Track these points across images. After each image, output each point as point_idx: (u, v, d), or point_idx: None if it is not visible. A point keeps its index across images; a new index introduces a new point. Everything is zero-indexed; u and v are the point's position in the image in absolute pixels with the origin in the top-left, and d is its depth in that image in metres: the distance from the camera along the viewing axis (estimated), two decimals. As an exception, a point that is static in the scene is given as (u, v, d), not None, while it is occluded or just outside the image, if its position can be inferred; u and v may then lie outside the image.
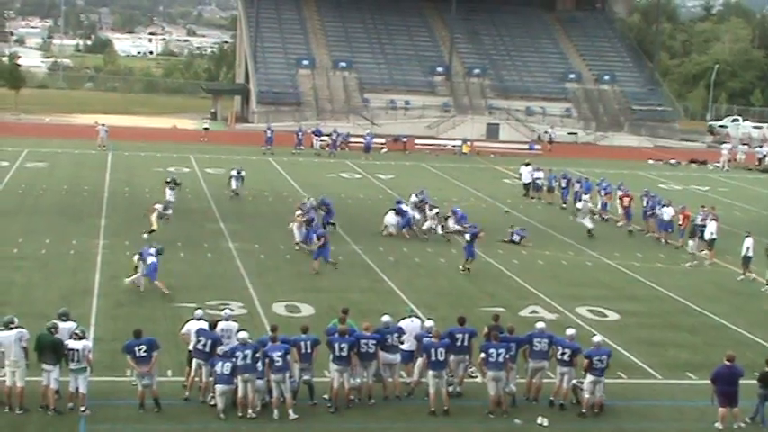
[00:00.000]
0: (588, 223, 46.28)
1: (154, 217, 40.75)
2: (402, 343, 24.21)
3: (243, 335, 22.79)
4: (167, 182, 46.75)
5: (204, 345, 22.97)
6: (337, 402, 22.96)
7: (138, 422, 21.67)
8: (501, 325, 24.75)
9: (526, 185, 57.88)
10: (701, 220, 44.02)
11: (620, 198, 49.68)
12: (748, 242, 39.42)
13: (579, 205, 48.07)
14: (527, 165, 59.09)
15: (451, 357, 23.85)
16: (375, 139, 76.65)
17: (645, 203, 48.85)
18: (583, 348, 23.82)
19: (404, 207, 44.58)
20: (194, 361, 23.11)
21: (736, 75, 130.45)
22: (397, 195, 53.45)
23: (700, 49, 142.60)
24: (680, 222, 45.51)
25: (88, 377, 22.03)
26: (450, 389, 23.90)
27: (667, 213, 46.12)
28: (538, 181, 57.08)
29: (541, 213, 51.45)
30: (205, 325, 23.48)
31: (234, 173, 53.07)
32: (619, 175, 64.57)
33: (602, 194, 51.12)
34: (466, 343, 24.09)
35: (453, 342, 23.84)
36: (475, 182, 62.66)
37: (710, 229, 42.40)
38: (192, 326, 23.72)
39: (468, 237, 38.27)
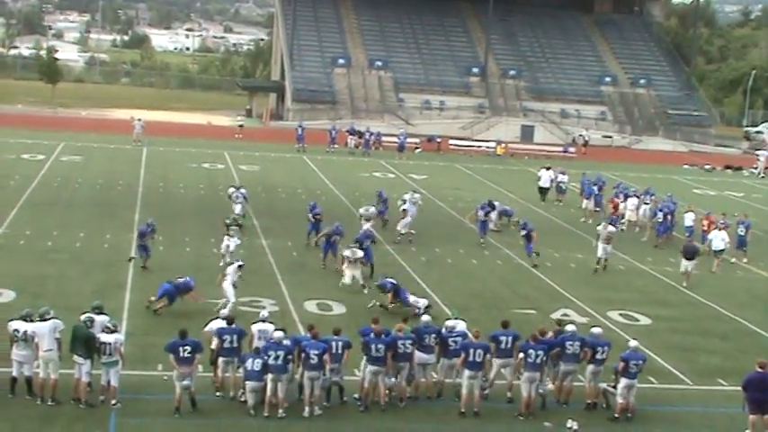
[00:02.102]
0: (599, 251, 39.92)
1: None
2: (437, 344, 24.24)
3: (279, 335, 22.77)
4: (227, 224, 37.76)
5: (231, 342, 22.97)
6: (367, 402, 22.99)
7: (169, 416, 21.74)
8: (564, 330, 24.74)
9: (543, 189, 56.63)
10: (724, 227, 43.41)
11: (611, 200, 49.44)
12: None
13: (600, 228, 40.56)
14: (547, 168, 57.98)
15: (496, 361, 23.94)
16: (409, 139, 76.49)
17: (645, 201, 48.58)
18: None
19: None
20: (221, 359, 23.05)
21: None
22: (431, 195, 53.57)
23: (737, 55, 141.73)
24: (704, 228, 45.00)
25: (120, 371, 22.15)
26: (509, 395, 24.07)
27: (689, 218, 45.60)
28: (561, 184, 56.42)
29: (574, 216, 51.27)
30: (223, 323, 23.50)
31: (232, 191, 44.65)
32: (652, 180, 64.30)
33: (622, 198, 50.30)
34: (510, 346, 23.90)
35: (498, 345, 23.85)
36: (508, 184, 62.51)
37: (721, 238, 41.42)
38: (216, 324, 23.79)
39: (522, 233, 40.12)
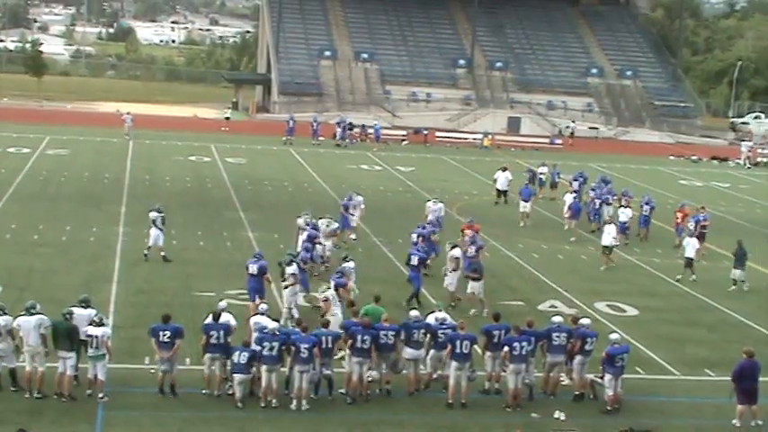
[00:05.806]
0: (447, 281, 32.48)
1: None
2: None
3: (273, 325, 22.75)
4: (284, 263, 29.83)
5: (218, 338, 22.75)
6: (354, 394, 22.97)
7: (156, 409, 21.72)
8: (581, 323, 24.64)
9: (500, 192, 52.78)
10: (704, 221, 42.21)
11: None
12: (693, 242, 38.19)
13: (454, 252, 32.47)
14: (504, 170, 53.91)
15: (487, 354, 23.91)
16: (390, 131, 77.71)
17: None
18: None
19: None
20: (207, 356, 22.73)
21: (759, 72, 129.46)
22: (418, 188, 53.54)
23: (723, 46, 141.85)
24: (678, 220, 44.45)
25: (107, 364, 22.08)
26: (487, 385, 24.03)
27: (625, 215, 43.62)
28: (541, 176, 55.67)
29: (561, 208, 51.19)
30: (209, 318, 23.31)
31: (154, 215, 35.46)
32: (639, 171, 64.34)
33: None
34: (502, 339, 23.75)
35: (490, 339, 23.80)
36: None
37: (607, 232, 39.00)
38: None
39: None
